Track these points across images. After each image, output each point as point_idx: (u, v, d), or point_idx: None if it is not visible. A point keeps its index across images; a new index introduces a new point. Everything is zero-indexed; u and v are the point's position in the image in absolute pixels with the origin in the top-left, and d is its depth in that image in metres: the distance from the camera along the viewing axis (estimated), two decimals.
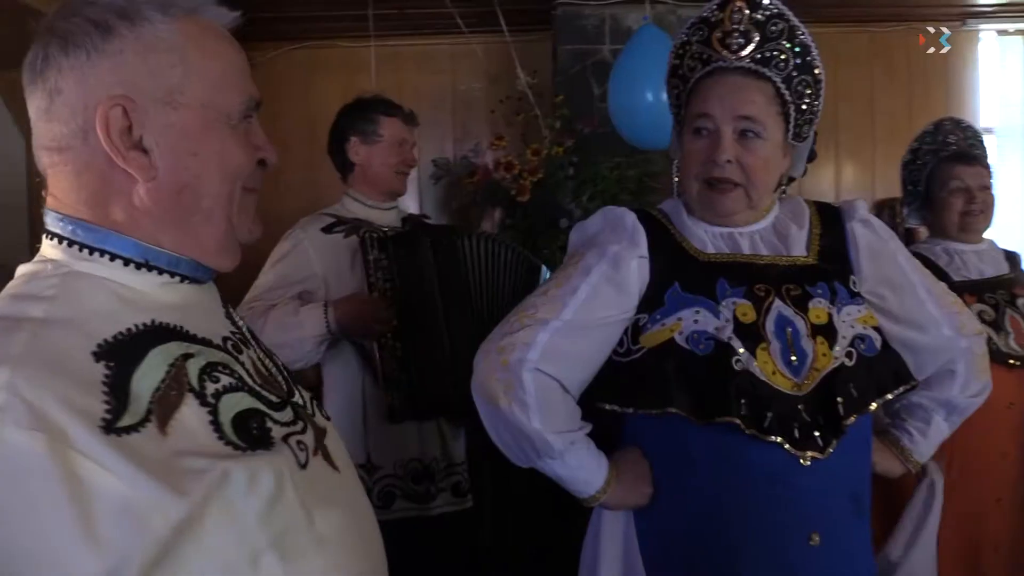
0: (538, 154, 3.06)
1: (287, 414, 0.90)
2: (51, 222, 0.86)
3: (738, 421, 1.28)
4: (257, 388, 0.89)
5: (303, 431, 0.90)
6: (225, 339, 0.91)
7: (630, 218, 1.44)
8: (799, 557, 1.33)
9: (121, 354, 0.78)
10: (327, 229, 2.15)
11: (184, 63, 0.85)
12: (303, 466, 0.86)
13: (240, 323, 1.00)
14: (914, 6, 3.94)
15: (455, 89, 4.05)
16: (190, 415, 0.79)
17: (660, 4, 3.38)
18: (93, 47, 0.82)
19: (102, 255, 0.85)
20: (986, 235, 2.42)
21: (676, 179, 1.57)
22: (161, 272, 0.87)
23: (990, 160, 2.41)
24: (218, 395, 0.83)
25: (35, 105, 0.85)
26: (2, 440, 0.70)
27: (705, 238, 1.43)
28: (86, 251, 0.85)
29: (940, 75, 4.25)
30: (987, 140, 4.13)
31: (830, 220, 1.49)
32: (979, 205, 2.30)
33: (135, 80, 0.83)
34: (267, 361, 0.98)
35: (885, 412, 1.59)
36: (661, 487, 1.40)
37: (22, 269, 0.86)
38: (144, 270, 0.86)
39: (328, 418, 1.01)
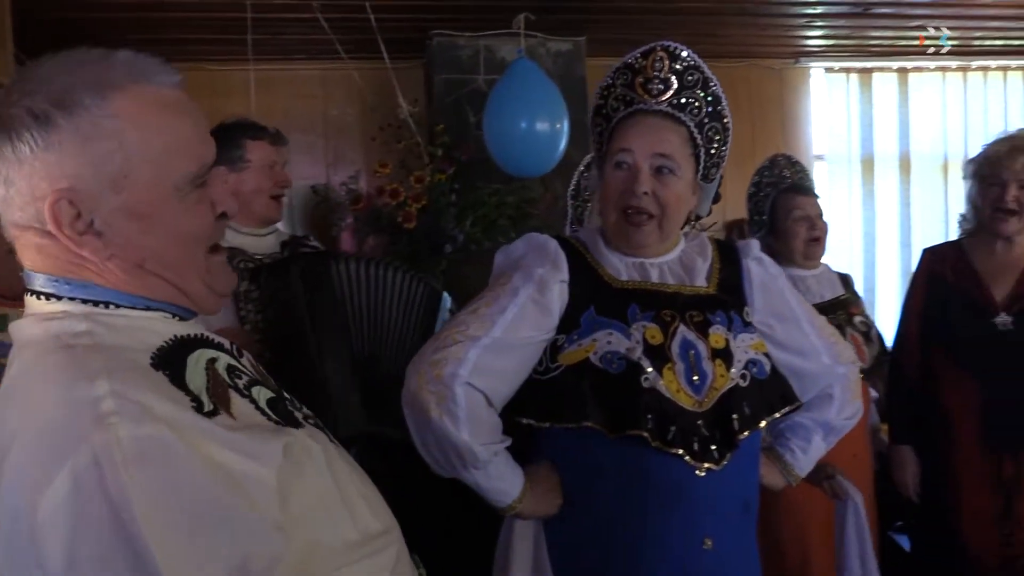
0: (421, 181, 3.12)
1: (285, 408, 0.98)
2: (43, 283, 0.88)
3: (646, 434, 1.37)
4: (262, 383, 0.98)
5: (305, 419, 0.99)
6: (230, 347, 1.00)
7: (552, 244, 1.52)
8: (693, 560, 1.42)
9: (169, 363, 0.86)
10: None
11: (123, 148, 0.85)
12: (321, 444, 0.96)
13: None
14: (754, 45, 4.24)
15: (327, 114, 4.05)
16: (239, 403, 0.89)
17: (531, 37, 3.52)
18: (35, 142, 0.83)
19: (111, 306, 0.88)
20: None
21: (570, 210, 1.69)
22: (161, 312, 0.92)
23: (819, 190, 2.70)
24: (248, 387, 0.92)
25: None
26: (129, 438, 0.75)
27: (619, 266, 1.53)
28: (89, 304, 0.88)
29: (777, 106, 4.62)
30: (818, 166, 4.58)
31: (728, 256, 1.62)
32: (818, 232, 2.58)
33: (77, 171, 0.84)
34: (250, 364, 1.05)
35: (769, 431, 1.70)
36: (570, 497, 1.48)
37: (27, 332, 0.89)
38: (147, 311, 0.91)
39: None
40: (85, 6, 3.02)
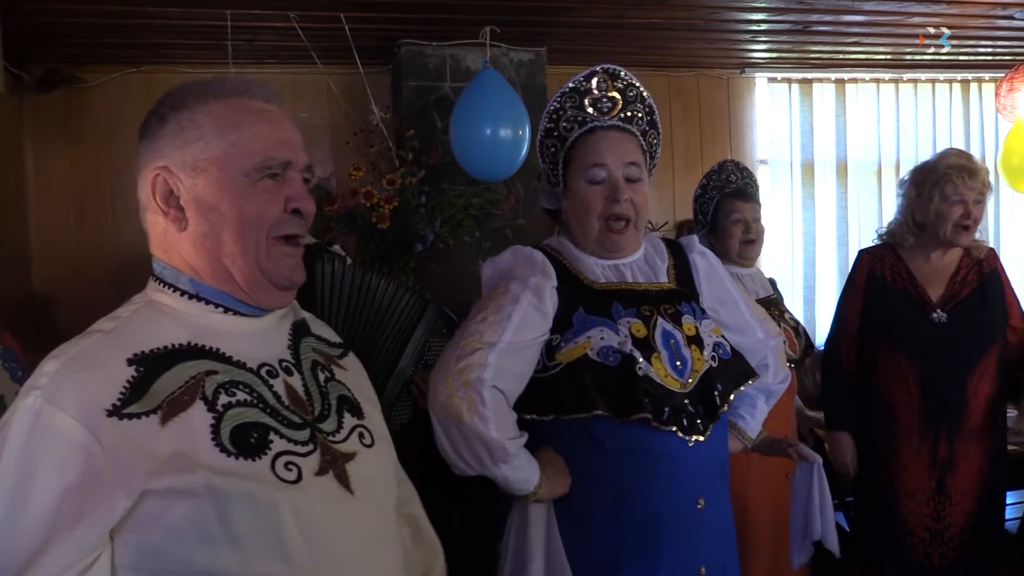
0: (393, 184, 3.27)
1: (301, 435, 1.06)
2: (154, 264, 1.12)
3: (650, 416, 1.53)
4: (277, 407, 1.06)
5: (304, 454, 1.05)
6: (262, 365, 1.09)
7: (539, 255, 1.68)
8: (691, 517, 1.59)
9: (151, 362, 1.01)
10: None
11: (204, 138, 1.07)
12: (293, 482, 1.01)
13: (308, 352, 1.18)
14: (703, 56, 4.41)
15: (297, 117, 4.13)
16: (196, 417, 0.99)
17: (495, 47, 3.66)
18: (151, 132, 1.08)
19: (171, 288, 1.09)
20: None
21: (557, 223, 1.85)
22: (208, 303, 1.09)
23: (762, 195, 2.91)
24: (228, 407, 1.02)
25: None
26: (33, 408, 0.95)
27: (596, 269, 1.68)
28: (160, 283, 1.10)
29: (724, 114, 4.79)
30: (761, 170, 4.80)
31: (677, 252, 1.79)
32: (753, 235, 2.80)
33: (171, 153, 1.07)
34: (314, 389, 1.14)
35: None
36: (577, 478, 1.61)
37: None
38: (195, 300, 1.09)
39: (370, 445, 1.16)
40: (64, 12, 3.07)
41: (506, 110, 3.32)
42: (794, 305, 4.65)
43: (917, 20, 3.78)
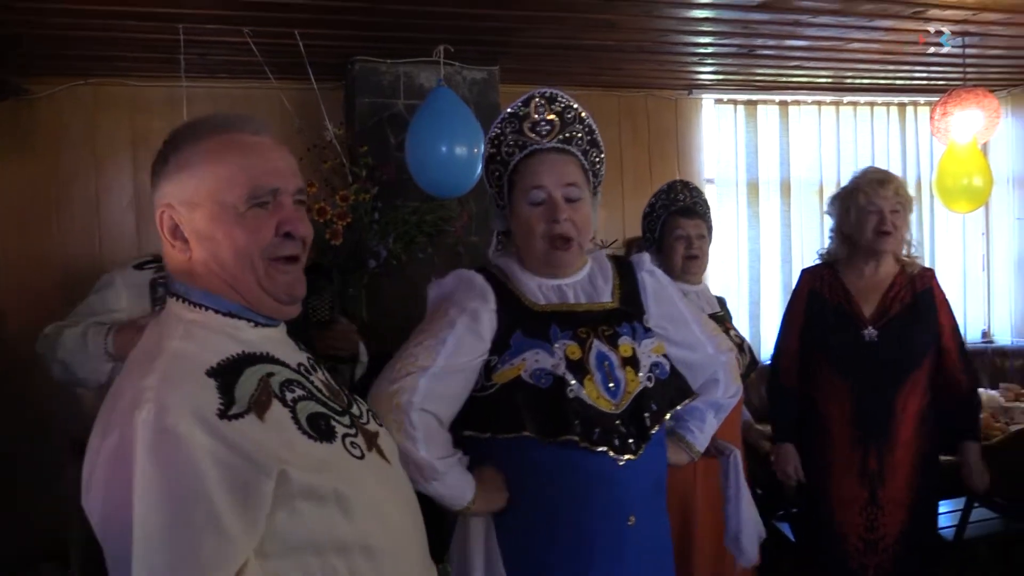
0: (346, 200, 3.27)
1: (346, 420, 1.23)
2: (172, 284, 1.20)
3: (576, 438, 1.58)
4: (324, 399, 1.21)
5: (355, 435, 1.22)
6: (299, 364, 1.24)
7: (479, 279, 1.71)
8: (621, 535, 1.63)
9: (225, 372, 1.10)
10: (139, 266, 2.22)
11: (196, 176, 1.16)
12: (360, 458, 1.19)
13: (306, 353, 1.30)
14: (652, 77, 4.51)
15: None
16: (278, 412, 1.11)
17: (449, 65, 3.70)
18: (157, 173, 1.17)
19: (203, 307, 1.17)
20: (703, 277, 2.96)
21: (496, 242, 1.89)
22: (239, 318, 1.18)
23: (711, 214, 2.94)
24: (295, 401, 1.15)
25: None
26: (143, 421, 1.00)
27: (538, 291, 1.72)
28: (188, 304, 1.18)
29: (673, 133, 4.89)
30: (708, 189, 4.90)
31: (625, 271, 1.83)
32: (695, 251, 2.86)
33: (172, 192, 1.16)
34: (332, 382, 1.28)
35: (672, 416, 1.86)
36: (514, 493, 1.66)
37: (155, 320, 1.20)
38: (227, 316, 1.18)
39: (381, 424, 1.36)
40: (12, 23, 3.03)
41: (461, 128, 3.36)
42: (740, 321, 4.74)
43: (856, 46, 3.94)
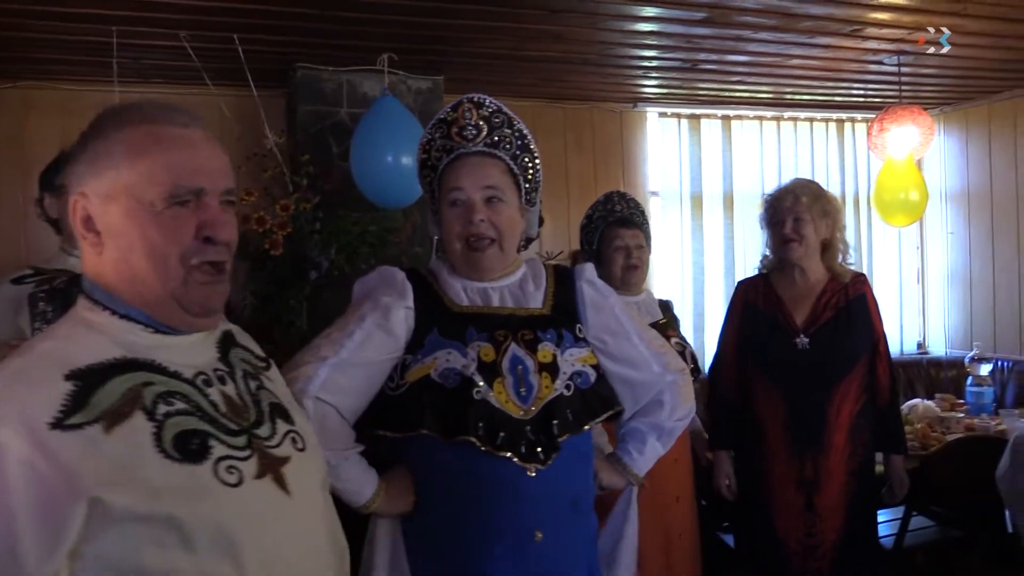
0: (287, 209, 3.20)
1: (239, 441, 1.10)
2: (82, 279, 1.13)
3: (475, 440, 1.55)
4: (214, 415, 1.10)
5: (245, 458, 1.09)
6: (198, 374, 1.12)
7: (400, 275, 1.70)
8: (525, 550, 1.59)
9: (88, 376, 1.02)
10: (17, 280, 2.15)
11: (115, 167, 1.08)
12: (235, 485, 1.06)
13: (238, 362, 1.21)
14: (597, 90, 4.53)
15: None
16: (137, 425, 1.02)
17: (393, 74, 3.66)
18: (75, 157, 1.09)
19: (101, 307, 1.10)
20: (645, 286, 2.98)
21: (435, 249, 1.87)
22: (136, 322, 1.10)
23: (649, 225, 2.95)
24: (168, 416, 1.05)
25: None
26: None
27: (462, 292, 1.71)
28: (90, 302, 1.11)
29: (617, 146, 4.91)
30: (653, 201, 4.91)
31: (563, 279, 1.81)
32: (635, 260, 2.87)
33: (88, 180, 1.09)
34: (247, 396, 1.18)
35: (617, 437, 1.89)
36: (421, 496, 1.65)
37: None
38: (124, 320, 1.09)
39: (302, 449, 1.21)
40: None
41: (407, 137, 3.32)
42: (685, 331, 4.76)
43: (796, 62, 4.01)
